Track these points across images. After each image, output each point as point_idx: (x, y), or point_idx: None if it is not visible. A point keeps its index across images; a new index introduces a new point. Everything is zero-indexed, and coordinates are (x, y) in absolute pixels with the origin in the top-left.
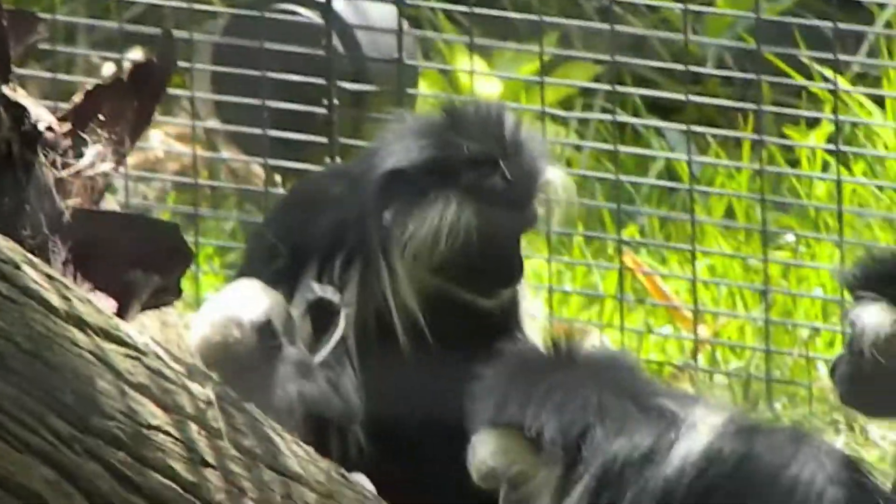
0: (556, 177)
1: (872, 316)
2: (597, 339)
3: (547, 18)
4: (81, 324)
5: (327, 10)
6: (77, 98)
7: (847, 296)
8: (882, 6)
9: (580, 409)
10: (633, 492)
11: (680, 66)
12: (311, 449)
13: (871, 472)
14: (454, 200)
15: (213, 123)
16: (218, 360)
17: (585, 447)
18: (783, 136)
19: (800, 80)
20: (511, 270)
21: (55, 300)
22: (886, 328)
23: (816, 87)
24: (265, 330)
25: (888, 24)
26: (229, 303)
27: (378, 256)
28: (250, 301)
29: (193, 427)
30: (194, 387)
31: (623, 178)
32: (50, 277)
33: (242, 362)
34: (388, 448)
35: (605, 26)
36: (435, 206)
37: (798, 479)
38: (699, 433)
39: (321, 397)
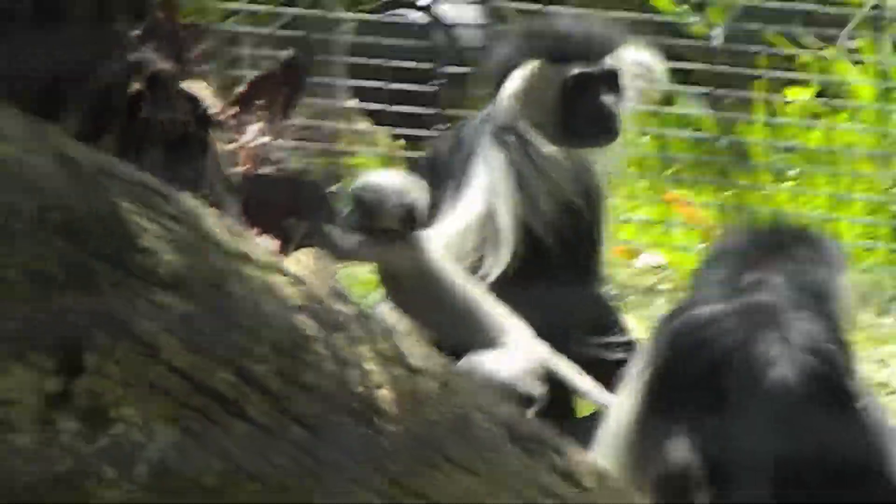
0: (635, 54)
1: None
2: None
3: None
4: (250, 260)
5: (432, 14)
6: (241, 88)
7: None
8: None
9: None
10: None
11: None
12: (428, 348)
13: None
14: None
15: (350, 103)
16: None
17: None
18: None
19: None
20: (607, 122)
21: (230, 243)
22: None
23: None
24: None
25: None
26: None
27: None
28: None
29: (339, 336)
30: (337, 305)
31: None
32: (225, 225)
33: None
34: None
35: None
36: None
37: None
38: None
39: None
